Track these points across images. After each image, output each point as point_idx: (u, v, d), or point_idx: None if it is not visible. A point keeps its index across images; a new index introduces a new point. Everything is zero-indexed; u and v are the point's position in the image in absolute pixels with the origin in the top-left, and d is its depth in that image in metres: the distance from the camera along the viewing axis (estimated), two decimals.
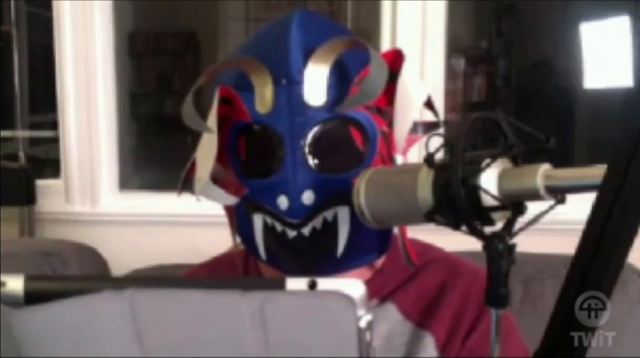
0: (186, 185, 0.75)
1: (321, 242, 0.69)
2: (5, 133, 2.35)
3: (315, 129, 0.69)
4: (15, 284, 0.43)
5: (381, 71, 0.68)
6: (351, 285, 0.41)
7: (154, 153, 3.25)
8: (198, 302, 0.42)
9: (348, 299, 0.40)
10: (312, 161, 0.69)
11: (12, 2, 2.47)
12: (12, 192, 1.76)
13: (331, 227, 0.69)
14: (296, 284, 0.42)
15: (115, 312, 0.41)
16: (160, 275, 0.44)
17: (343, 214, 0.69)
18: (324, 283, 0.41)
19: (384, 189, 0.57)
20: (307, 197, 0.68)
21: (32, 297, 0.43)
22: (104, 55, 1.84)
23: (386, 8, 1.75)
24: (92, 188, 1.86)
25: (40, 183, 1.87)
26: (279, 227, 0.70)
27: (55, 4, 1.80)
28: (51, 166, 2.09)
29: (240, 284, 0.42)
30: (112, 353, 0.43)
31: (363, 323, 0.40)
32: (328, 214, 0.69)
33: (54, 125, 1.92)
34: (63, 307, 0.41)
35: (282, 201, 0.68)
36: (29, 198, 1.79)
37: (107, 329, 0.42)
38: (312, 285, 0.41)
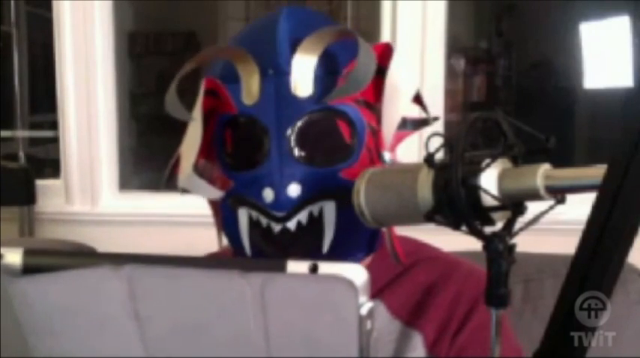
0: (172, 181, 0.74)
1: (306, 237, 0.68)
2: (5, 133, 2.35)
3: (302, 120, 0.68)
4: (13, 257, 0.43)
5: (369, 62, 0.67)
6: (354, 271, 0.40)
7: (154, 153, 3.24)
8: (198, 282, 0.41)
9: (350, 284, 0.38)
10: (298, 153, 0.68)
11: (12, 2, 2.47)
12: (12, 192, 1.76)
13: (317, 222, 0.68)
14: (297, 267, 0.41)
15: (112, 288, 0.41)
16: (159, 255, 0.43)
17: (329, 209, 0.68)
18: (326, 267, 0.40)
19: (384, 189, 0.57)
20: (293, 189, 0.67)
21: (30, 272, 0.43)
22: (104, 55, 1.84)
23: (386, 8, 1.75)
24: (92, 188, 1.86)
25: (40, 183, 1.87)
26: (264, 221, 0.69)
27: (55, 4, 1.80)
28: (51, 166, 2.09)
29: (241, 264, 0.41)
30: (109, 327, 0.42)
31: (364, 311, 0.39)
32: (314, 208, 0.68)
33: (54, 125, 1.92)
34: (61, 278, 0.41)
35: (268, 194, 0.67)
36: (29, 198, 1.79)
37: (104, 304, 0.42)
38: (314, 269, 0.40)
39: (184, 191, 0.73)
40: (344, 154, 0.69)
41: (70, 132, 1.84)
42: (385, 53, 0.71)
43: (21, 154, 2.29)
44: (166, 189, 0.75)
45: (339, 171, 0.69)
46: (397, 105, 0.72)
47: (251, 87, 0.68)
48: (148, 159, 3.01)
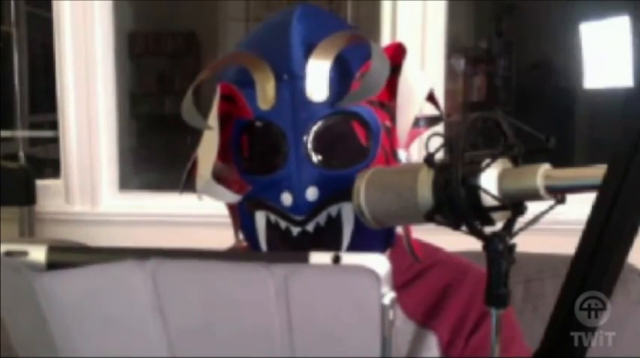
0: (187, 184, 0.74)
1: (325, 238, 0.69)
2: (5, 133, 2.36)
3: (318, 124, 0.69)
4: (37, 254, 0.43)
5: (383, 65, 0.68)
6: (376, 261, 0.39)
7: (154, 153, 3.25)
8: (221, 274, 0.41)
9: (372, 274, 0.39)
10: (315, 157, 0.69)
11: (12, 2, 2.47)
12: (12, 192, 1.76)
13: (335, 223, 0.69)
14: (320, 258, 0.41)
15: (137, 281, 0.41)
16: (183, 248, 0.43)
17: (347, 210, 0.68)
18: (349, 258, 0.40)
19: (384, 189, 0.57)
20: (311, 193, 0.67)
21: (55, 268, 0.42)
22: (104, 55, 1.84)
23: (386, 8, 1.75)
24: (92, 188, 1.86)
25: (40, 183, 1.87)
26: (282, 224, 0.69)
27: (55, 4, 1.80)
28: (51, 166, 2.09)
29: (264, 257, 0.41)
30: (133, 322, 0.42)
31: (386, 300, 0.39)
32: (332, 210, 0.69)
33: (54, 125, 1.92)
34: (85, 273, 0.41)
35: (286, 198, 0.68)
36: (29, 198, 1.79)
37: (129, 298, 0.42)
38: (337, 260, 0.40)
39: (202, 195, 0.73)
40: (360, 156, 0.70)
41: (70, 132, 1.84)
42: (398, 53, 0.72)
43: (21, 154, 2.30)
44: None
45: (356, 173, 0.69)
46: (411, 104, 0.72)
47: (267, 92, 0.69)
48: (147, 159, 3.02)
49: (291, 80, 0.68)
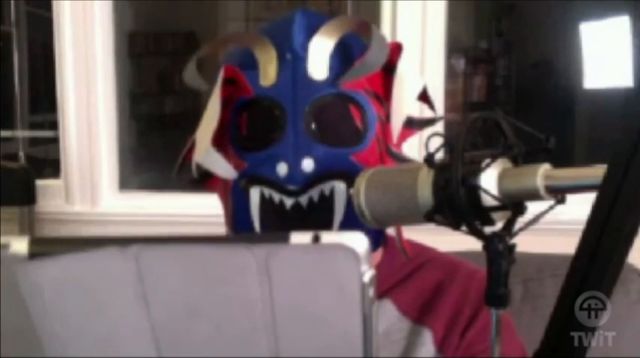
0: (182, 171, 0.75)
1: (317, 215, 0.70)
2: (5, 133, 2.36)
3: (317, 100, 0.71)
4: (19, 246, 0.43)
5: (382, 47, 0.71)
6: (355, 239, 0.40)
7: (154, 153, 3.25)
8: (203, 257, 0.42)
9: (351, 252, 0.39)
10: (312, 130, 0.70)
11: (12, 2, 2.47)
12: (12, 192, 1.76)
13: (328, 201, 0.70)
14: (300, 238, 0.41)
15: (120, 268, 0.41)
16: (164, 235, 0.44)
17: (340, 189, 0.70)
18: (328, 237, 0.41)
19: (384, 189, 0.57)
20: (307, 164, 0.69)
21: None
22: (104, 55, 1.84)
23: (386, 8, 1.76)
24: (92, 188, 1.86)
25: (40, 183, 1.87)
26: (276, 197, 0.70)
27: (55, 4, 1.80)
28: (51, 166, 2.09)
29: (245, 238, 0.42)
30: (117, 307, 0.43)
31: (366, 278, 0.40)
32: (326, 187, 0.70)
33: (54, 125, 1.92)
34: (67, 261, 0.41)
35: (282, 168, 0.69)
36: (29, 198, 1.79)
37: (112, 285, 0.42)
38: (316, 239, 0.41)
39: (193, 182, 0.75)
40: (356, 139, 0.72)
41: (70, 132, 1.84)
42: (396, 51, 0.74)
43: (21, 154, 2.30)
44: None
45: (351, 154, 0.71)
46: (404, 102, 0.75)
47: (268, 70, 0.71)
48: (147, 159, 3.02)
49: (293, 59, 0.71)
